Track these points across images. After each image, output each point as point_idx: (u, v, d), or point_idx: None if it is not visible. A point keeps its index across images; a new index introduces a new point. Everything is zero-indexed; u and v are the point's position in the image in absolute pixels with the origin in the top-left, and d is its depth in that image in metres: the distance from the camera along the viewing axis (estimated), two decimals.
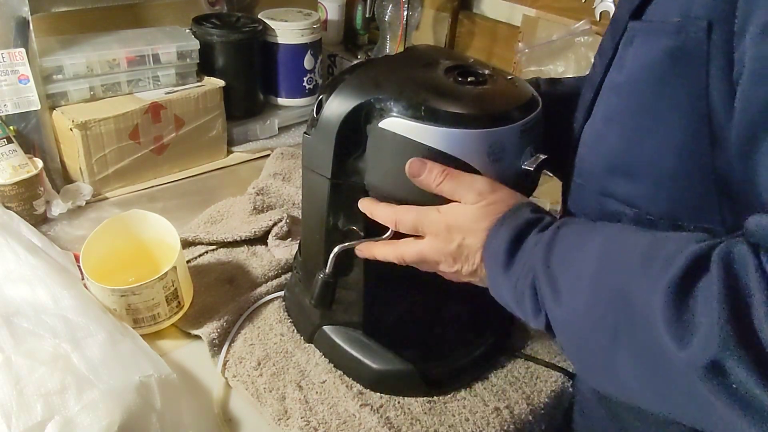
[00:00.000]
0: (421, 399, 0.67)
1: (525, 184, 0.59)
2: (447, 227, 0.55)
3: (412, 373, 0.66)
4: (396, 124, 0.55)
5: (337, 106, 0.57)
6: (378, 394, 0.67)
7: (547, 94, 0.63)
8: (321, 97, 0.59)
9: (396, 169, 0.56)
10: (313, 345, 0.72)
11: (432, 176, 0.54)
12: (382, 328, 0.68)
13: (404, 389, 0.67)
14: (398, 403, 0.66)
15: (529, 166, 0.57)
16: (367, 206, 0.60)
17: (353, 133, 0.58)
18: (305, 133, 0.61)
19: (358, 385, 0.67)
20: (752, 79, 0.40)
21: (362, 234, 0.63)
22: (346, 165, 0.59)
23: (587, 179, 0.57)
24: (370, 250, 0.61)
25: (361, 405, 0.65)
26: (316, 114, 0.59)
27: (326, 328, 0.70)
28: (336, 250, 0.61)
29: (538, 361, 0.73)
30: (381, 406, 0.65)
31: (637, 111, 0.49)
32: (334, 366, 0.70)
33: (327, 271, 0.62)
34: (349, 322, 0.69)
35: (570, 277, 0.47)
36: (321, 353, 0.71)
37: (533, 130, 0.58)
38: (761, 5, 0.39)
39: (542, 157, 0.58)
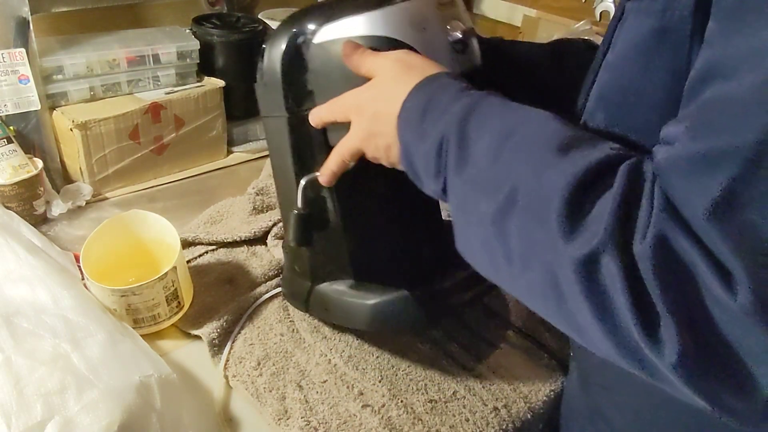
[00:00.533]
0: (423, 399, 0.67)
1: (464, 58, 0.61)
2: (367, 98, 0.55)
3: (405, 300, 0.66)
4: (326, 33, 0.59)
5: (276, 46, 0.63)
6: (380, 393, 0.67)
7: (506, 53, 0.67)
8: (263, 46, 0.64)
9: (340, 77, 0.58)
10: (313, 344, 0.72)
11: (357, 54, 0.56)
12: (370, 269, 0.68)
13: (400, 319, 0.67)
14: (401, 402, 0.66)
15: (457, 33, 0.59)
16: (314, 114, 0.61)
17: (295, 64, 0.62)
18: (255, 83, 0.66)
19: (360, 384, 0.67)
20: (701, 53, 0.40)
21: None
22: (298, 99, 0.63)
23: None
24: (324, 168, 0.61)
25: (362, 405, 0.65)
26: (262, 62, 0.65)
27: (318, 287, 0.70)
28: (303, 181, 0.63)
29: (533, 340, 0.74)
30: (383, 406, 0.65)
31: (622, 88, 0.50)
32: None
33: (299, 205, 0.63)
34: (339, 275, 0.69)
35: (482, 142, 0.46)
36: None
37: (451, 5, 0.61)
38: None
39: (469, 26, 0.60)
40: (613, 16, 0.54)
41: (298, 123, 0.64)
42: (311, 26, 0.60)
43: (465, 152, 0.47)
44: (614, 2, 1.00)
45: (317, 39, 0.60)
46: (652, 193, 0.38)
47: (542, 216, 0.40)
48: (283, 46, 0.62)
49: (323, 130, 0.62)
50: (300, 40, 0.61)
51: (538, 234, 0.41)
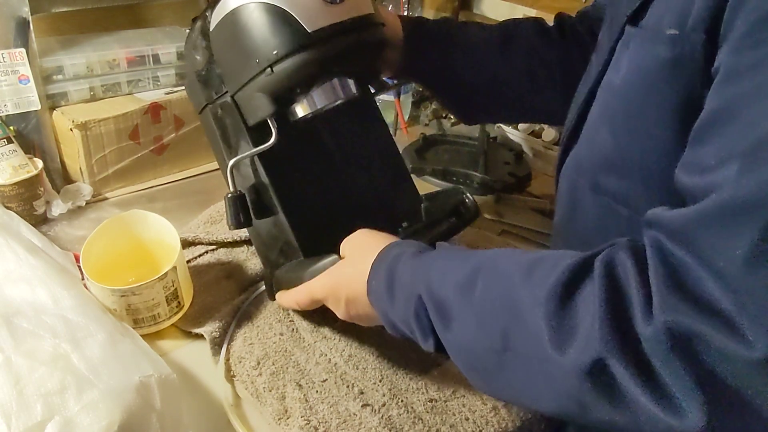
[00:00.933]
0: (423, 398, 0.67)
1: (339, 9, 0.60)
2: (335, 287, 0.62)
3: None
4: (224, 7, 0.61)
5: (189, 45, 0.70)
6: (380, 393, 0.67)
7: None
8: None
9: (239, 52, 0.62)
10: (313, 344, 0.72)
11: (306, 303, 0.65)
12: (316, 246, 0.69)
13: None
14: (401, 401, 0.66)
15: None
16: (289, 301, 0.68)
17: (202, 55, 0.68)
18: (182, 84, 0.73)
19: (360, 384, 0.67)
20: (715, 86, 0.41)
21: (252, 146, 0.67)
22: (213, 86, 0.69)
23: (582, 174, 0.58)
24: (287, 298, 0.69)
25: (362, 405, 0.65)
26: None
27: (276, 273, 0.72)
28: (230, 163, 0.67)
29: None
30: (383, 405, 0.65)
31: (628, 112, 0.50)
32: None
33: (229, 188, 0.67)
34: (289, 257, 0.71)
35: (456, 297, 0.49)
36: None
37: None
38: (742, 16, 0.39)
39: None
40: (610, 35, 0.53)
41: (217, 110, 0.70)
42: (206, 18, 0.67)
43: (445, 314, 0.50)
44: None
45: (216, 15, 0.63)
46: (643, 272, 0.39)
47: (536, 347, 0.43)
48: (193, 36, 0.69)
49: (240, 114, 0.67)
50: (198, 34, 0.68)
51: (540, 366, 0.43)
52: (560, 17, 0.79)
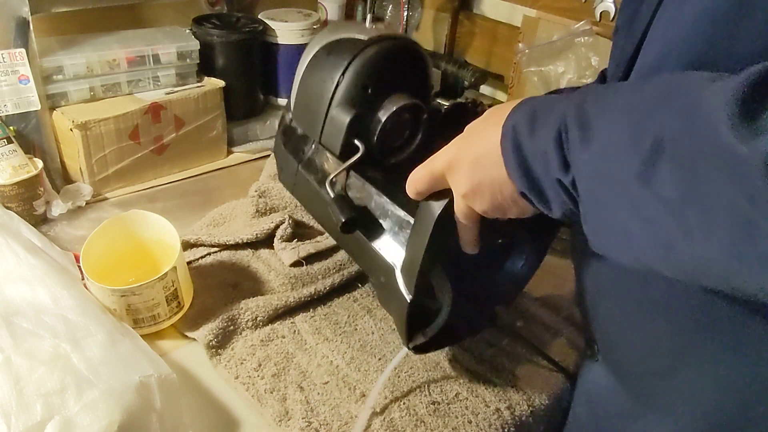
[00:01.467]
0: (426, 400, 0.66)
1: None
2: (457, 152, 0.50)
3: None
4: (296, 82, 0.74)
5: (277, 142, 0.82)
6: (382, 395, 0.66)
7: None
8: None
9: (316, 85, 0.69)
10: (315, 346, 0.72)
11: (425, 181, 0.53)
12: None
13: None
14: (403, 404, 0.66)
15: None
16: (410, 189, 0.56)
17: (284, 131, 0.79)
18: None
19: (362, 386, 0.67)
20: None
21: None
22: (298, 149, 0.76)
23: None
24: (462, 243, 0.57)
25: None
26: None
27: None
28: (331, 177, 0.68)
29: (540, 352, 0.73)
30: (386, 408, 0.65)
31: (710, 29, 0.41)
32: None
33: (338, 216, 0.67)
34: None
35: (608, 112, 0.40)
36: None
37: None
38: None
39: None
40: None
41: (308, 163, 0.76)
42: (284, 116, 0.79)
43: (588, 130, 0.40)
44: (614, 2, 1.00)
45: (292, 101, 0.76)
46: None
47: (704, 142, 0.32)
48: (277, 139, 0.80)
49: (330, 151, 0.69)
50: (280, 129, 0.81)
51: (703, 163, 0.33)
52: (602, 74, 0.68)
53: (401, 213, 0.65)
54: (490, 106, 0.63)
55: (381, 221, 0.67)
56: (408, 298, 0.61)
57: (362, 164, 0.67)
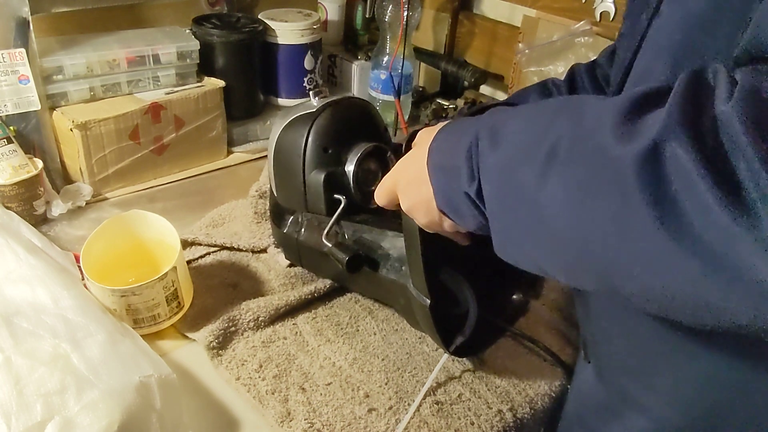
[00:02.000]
0: (429, 401, 0.66)
1: None
2: (398, 172, 0.57)
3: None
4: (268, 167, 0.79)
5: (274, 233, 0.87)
6: (386, 396, 0.66)
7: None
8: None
9: (286, 163, 0.75)
10: (317, 348, 0.72)
11: (384, 199, 0.60)
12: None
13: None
14: (407, 405, 0.65)
15: None
16: (378, 200, 0.62)
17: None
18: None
19: (366, 387, 0.67)
20: None
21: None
22: (284, 220, 0.82)
23: None
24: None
25: (368, 409, 0.65)
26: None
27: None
28: (326, 230, 0.72)
29: (538, 344, 0.74)
30: (389, 408, 0.65)
31: (689, 29, 0.43)
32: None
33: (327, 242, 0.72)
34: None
35: (513, 122, 0.44)
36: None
37: None
38: None
39: None
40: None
41: (297, 230, 0.82)
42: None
43: (496, 136, 0.44)
44: (614, 2, 1.00)
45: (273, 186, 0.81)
46: (729, 74, 0.33)
47: (590, 146, 0.36)
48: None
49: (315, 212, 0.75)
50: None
51: (588, 165, 0.36)
52: (571, 70, 0.76)
53: (394, 234, 0.70)
54: (489, 106, 0.64)
55: (380, 251, 0.73)
56: (427, 302, 0.63)
57: (350, 214, 0.74)
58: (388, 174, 0.59)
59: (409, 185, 0.55)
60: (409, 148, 0.77)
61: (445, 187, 0.49)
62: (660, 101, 0.35)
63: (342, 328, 0.75)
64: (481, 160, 0.44)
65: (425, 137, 0.55)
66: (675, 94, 0.34)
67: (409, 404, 0.66)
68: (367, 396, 0.66)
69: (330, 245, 0.71)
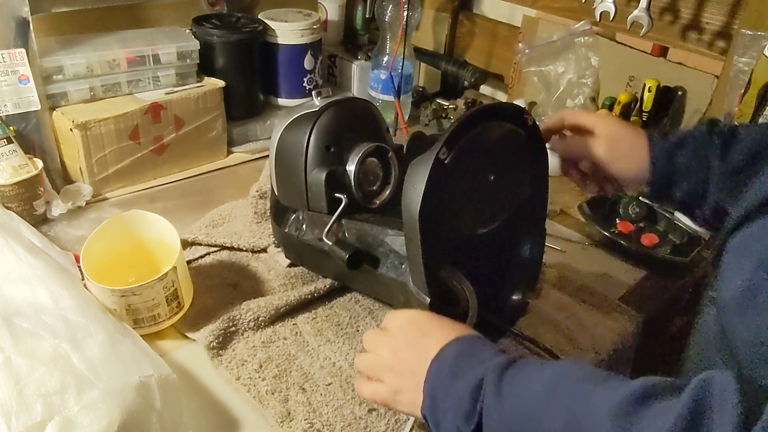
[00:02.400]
0: None
1: None
2: (393, 360, 0.56)
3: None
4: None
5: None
6: None
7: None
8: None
9: (288, 163, 0.76)
10: (317, 348, 0.72)
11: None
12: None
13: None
14: None
15: None
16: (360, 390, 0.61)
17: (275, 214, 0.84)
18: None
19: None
20: None
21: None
22: (286, 219, 0.82)
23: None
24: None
25: (369, 410, 0.64)
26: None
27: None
28: (326, 229, 0.72)
29: (538, 344, 0.74)
30: (390, 409, 0.64)
31: None
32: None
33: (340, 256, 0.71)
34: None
35: (518, 390, 0.47)
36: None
37: None
38: None
39: None
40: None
41: (298, 232, 0.81)
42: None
43: (502, 395, 0.47)
44: (614, 2, 1.00)
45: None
46: (743, 401, 0.36)
47: None
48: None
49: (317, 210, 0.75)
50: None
51: None
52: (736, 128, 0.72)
53: (395, 232, 0.70)
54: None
55: (381, 249, 0.72)
56: (426, 301, 0.63)
57: (351, 213, 0.74)
58: (374, 355, 0.58)
59: (403, 377, 0.55)
60: (409, 149, 0.78)
61: (440, 404, 0.51)
62: (661, 397, 0.39)
63: (342, 329, 0.75)
64: (485, 411, 0.47)
65: (432, 334, 0.55)
66: (674, 415, 0.37)
67: None
68: None
69: (330, 243, 0.71)
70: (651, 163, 0.68)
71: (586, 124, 0.72)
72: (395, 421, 0.64)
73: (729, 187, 0.65)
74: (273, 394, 0.65)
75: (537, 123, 0.67)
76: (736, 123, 0.70)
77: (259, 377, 0.67)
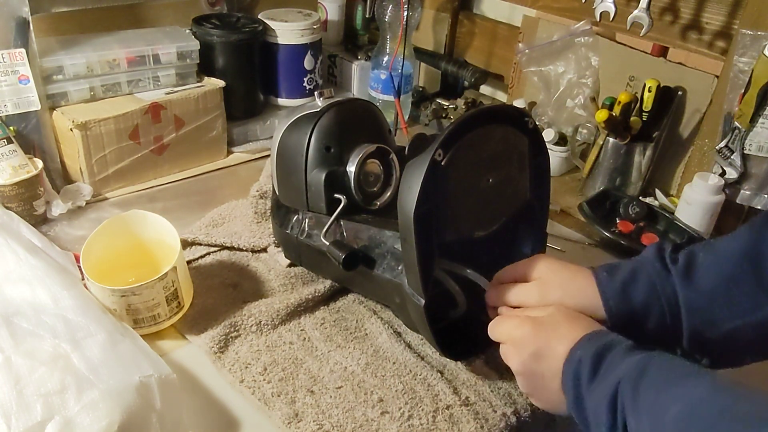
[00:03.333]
0: (441, 405, 0.65)
1: None
2: (529, 335, 0.57)
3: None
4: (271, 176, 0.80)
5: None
6: (402, 401, 0.65)
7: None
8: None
9: (289, 164, 0.77)
10: (326, 353, 0.71)
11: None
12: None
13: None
14: (422, 410, 0.64)
15: None
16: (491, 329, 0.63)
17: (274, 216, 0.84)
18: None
19: (379, 391, 0.66)
20: None
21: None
22: (287, 220, 0.81)
23: None
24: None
25: (381, 412, 0.64)
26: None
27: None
28: (324, 230, 0.73)
29: None
30: (403, 413, 0.64)
31: None
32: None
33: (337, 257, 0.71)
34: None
35: (655, 408, 0.46)
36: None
37: None
38: None
39: None
40: None
41: (298, 234, 0.80)
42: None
43: (639, 414, 0.46)
44: (614, 2, 1.00)
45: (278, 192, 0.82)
46: None
47: None
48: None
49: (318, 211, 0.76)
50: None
51: None
52: None
53: (393, 233, 0.70)
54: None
55: (378, 250, 0.72)
56: (421, 302, 0.63)
57: (350, 213, 0.74)
58: (511, 323, 0.59)
59: (537, 360, 0.56)
60: (411, 151, 0.78)
61: (584, 407, 0.52)
62: None
63: (351, 333, 0.74)
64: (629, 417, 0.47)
65: (563, 318, 0.57)
66: None
67: (423, 409, 0.65)
68: (381, 400, 0.65)
69: (328, 243, 0.71)
70: (604, 303, 0.59)
71: (525, 273, 0.65)
72: (408, 426, 0.63)
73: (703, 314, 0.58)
74: (279, 396, 0.65)
75: (538, 125, 0.67)
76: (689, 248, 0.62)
77: (264, 380, 0.67)
